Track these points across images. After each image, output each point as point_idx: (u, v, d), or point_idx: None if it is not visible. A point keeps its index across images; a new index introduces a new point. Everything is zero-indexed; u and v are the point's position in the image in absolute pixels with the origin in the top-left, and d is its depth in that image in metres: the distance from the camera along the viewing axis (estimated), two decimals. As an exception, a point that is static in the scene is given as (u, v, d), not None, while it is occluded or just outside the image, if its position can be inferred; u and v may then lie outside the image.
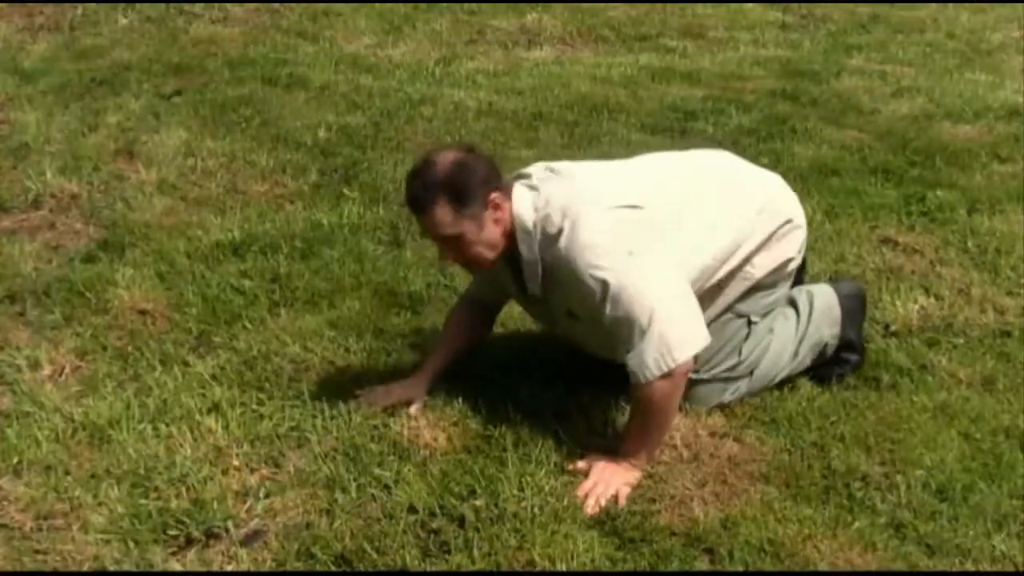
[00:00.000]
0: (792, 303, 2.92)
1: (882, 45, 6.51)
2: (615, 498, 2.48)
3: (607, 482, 2.51)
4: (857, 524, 2.41)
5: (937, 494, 2.51)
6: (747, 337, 2.79)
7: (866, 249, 3.71)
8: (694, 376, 2.70)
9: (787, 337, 2.86)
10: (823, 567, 2.29)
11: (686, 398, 2.70)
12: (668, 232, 2.56)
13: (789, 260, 2.78)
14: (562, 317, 2.67)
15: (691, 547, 2.34)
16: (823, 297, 2.95)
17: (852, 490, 2.52)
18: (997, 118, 5.07)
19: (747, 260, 2.71)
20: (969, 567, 2.32)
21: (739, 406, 2.82)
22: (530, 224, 2.54)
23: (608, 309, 2.46)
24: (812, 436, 2.71)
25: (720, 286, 2.70)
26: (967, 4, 7.45)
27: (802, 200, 4.04)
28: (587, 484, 2.52)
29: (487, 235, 2.55)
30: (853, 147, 4.67)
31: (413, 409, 2.75)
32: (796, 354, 2.88)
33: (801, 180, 4.30)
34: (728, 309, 2.75)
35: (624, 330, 2.47)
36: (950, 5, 7.45)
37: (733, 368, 2.78)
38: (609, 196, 2.56)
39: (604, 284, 2.45)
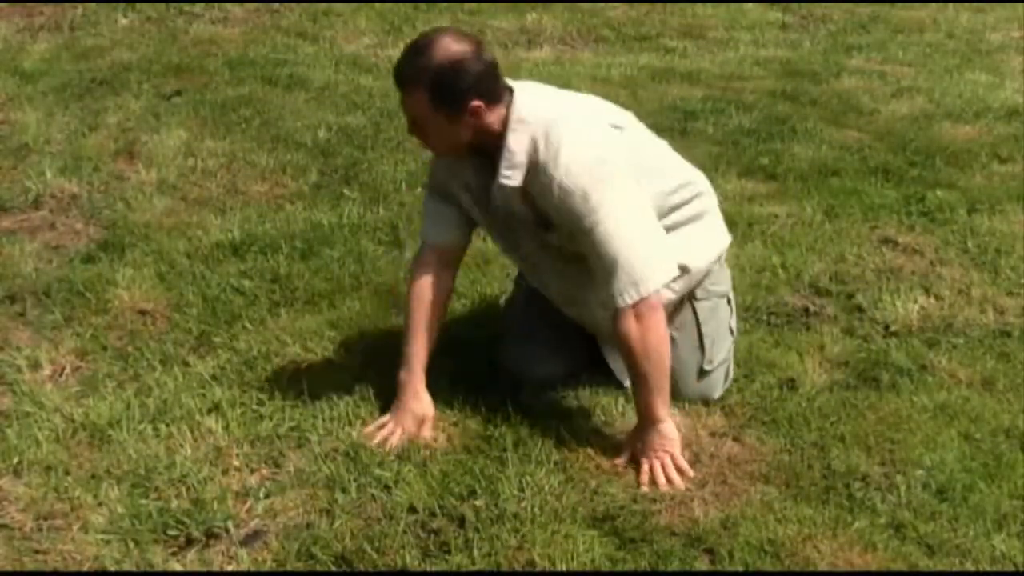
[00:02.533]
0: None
1: (882, 45, 6.52)
2: (679, 468, 2.54)
3: (659, 456, 2.55)
4: (857, 524, 2.41)
5: (937, 494, 2.51)
6: (732, 313, 2.92)
7: (866, 249, 3.71)
8: (708, 367, 2.80)
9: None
10: (823, 567, 2.29)
11: (702, 393, 2.81)
12: (642, 159, 2.62)
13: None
14: (531, 230, 2.65)
15: (691, 547, 2.34)
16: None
17: (852, 490, 2.52)
18: (997, 118, 5.07)
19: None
20: (969, 567, 2.31)
21: (739, 406, 2.83)
22: (526, 115, 2.54)
23: (586, 222, 2.48)
24: (812, 436, 2.71)
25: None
26: (967, 4, 7.45)
27: (802, 200, 4.09)
28: (644, 470, 2.54)
29: (451, 134, 2.55)
30: (853, 147, 4.68)
31: (428, 434, 2.68)
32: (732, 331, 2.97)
33: (801, 180, 4.30)
34: (706, 288, 2.83)
35: (599, 249, 2.50)
36: (950, 5, 7.46)
37: (731, 348, 2.90)
38: (596, 112, 2.65)
39: (586, 195, 2.47)
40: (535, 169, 2.52)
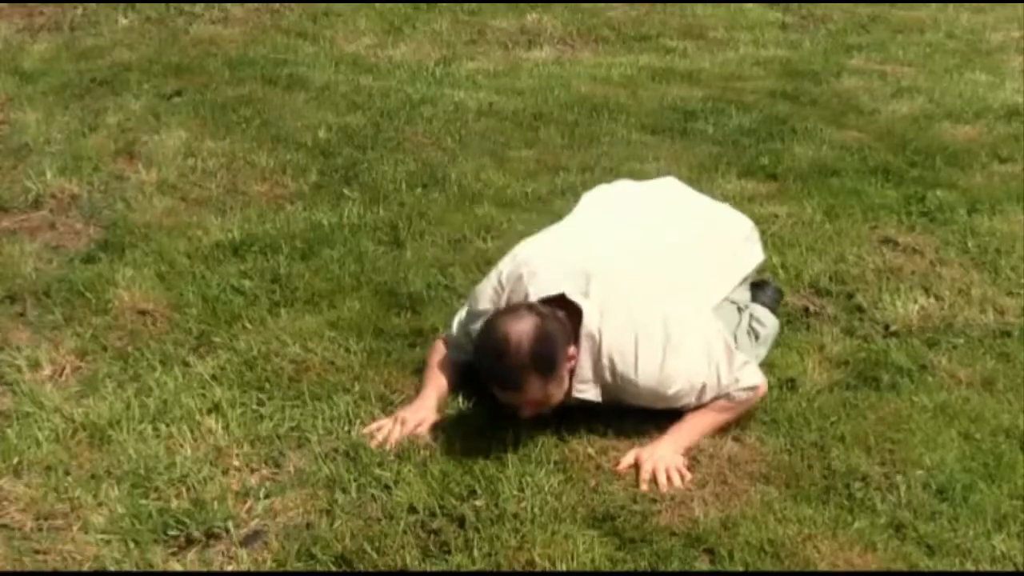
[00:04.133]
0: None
1: (882, 45, 6.51)
2: (680, 474, 2.56)
3: (666, 460, 2.58)
4: (857, 524, 2.41)
5: (937, 494, 2.51)
6: (739, 324, 2.95)
7: (866, 249, 3.71)
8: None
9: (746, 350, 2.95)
10: (823, 567, 2.29)
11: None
12: (692, 284, 2.82)
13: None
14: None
15: (691, 547, 2.34)
16: (770, 321, 3.11)
17: (852, 490, 2.52)
18: (997, 118, 5.07)
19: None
20: (969, 567, 2.31)
21: (739, 406, 2.82)
22: (595, 330, 2.62)
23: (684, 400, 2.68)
24: (812, 436, 2.71)
25: None
26: (967, 4, 7.44)
27: (802, 200, 4.09)
28: (646, 469, 2.56)
29: (566, 386, 2.63)
30: (853, 147, 4.67)
31: (425, 432, 2.69)
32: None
33: (801, 180, 4.30)
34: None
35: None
36: (950, 5, 7.45)
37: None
38: (651, 285, 2.73)
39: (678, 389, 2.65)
40: (614, 378, 2.64)
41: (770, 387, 2.90)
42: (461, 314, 2.91)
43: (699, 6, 7.29)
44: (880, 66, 6.06)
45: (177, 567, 2.32)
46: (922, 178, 4.33)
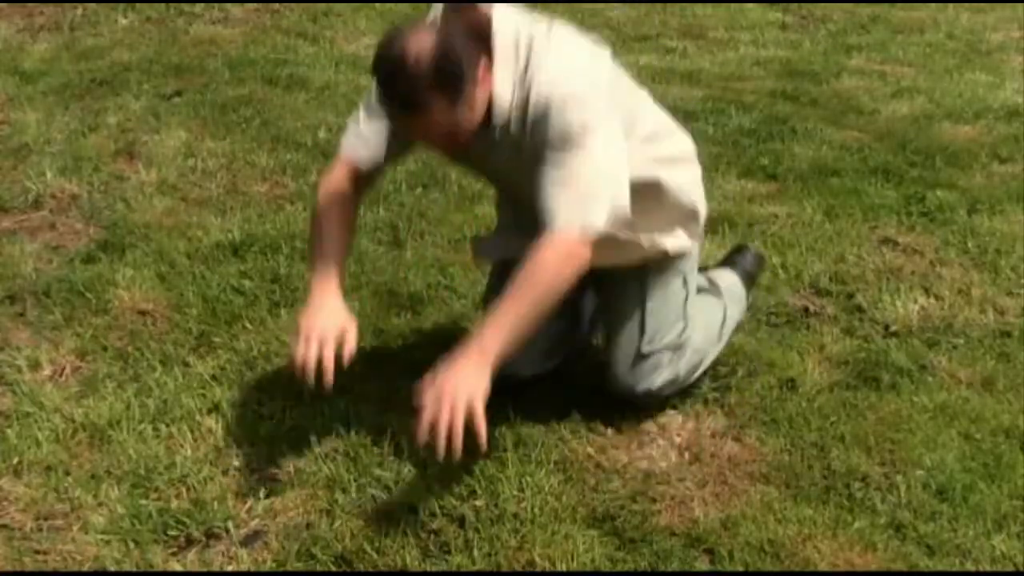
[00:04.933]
0: (703, 288, 2.93)
1: (882, 45, 6.51)
2: (472, 416, 2.12)
3: (452, 398, 2.11)
4: (857, 524, 2.41)
5: (937, 494, 2.51)
6: (686, 299, 2.75)
7: (866, 249, 3.71)
8: (646, 349, 2.64)
9: (712, 316, 2.87)
10: (823, 567, 2.29)
11: (636, 381, 2.66)
12: (621, 93, 2.46)
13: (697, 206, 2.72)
14: (506, 156, 2.39)
15: (691, 547, 2.34)
16: (730, 279, 3.05)
17: (852, 490, 2.52)
18: (997, 118, 5.07)
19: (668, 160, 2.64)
20: (969, 567, 2.32)
21: (739, 406, 2.82)
22: (514, 39, 2.29)
23: (558, 139, 2.26)
24: (812, 436, 2.71)
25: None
26: (967, 4, 7.45)
27: (802, 200, 4.09)
28: (424, 418, 2.12)
29: (478, 111, 2.29)
30: (853, 147, 4.67)
31: (347, 355, 2.34)
32: (720, 337, 2.90)
33: (801, 180, 4.30)
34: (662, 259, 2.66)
35: (564, 166, 2.27)
36: (950, 5, 7.45)
37: (680, 333, 2.70)
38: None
39: (567, 110, 2.25)
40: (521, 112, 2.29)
41: (770, 387, 2.90)
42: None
43: (699, 6, 7.30)
44: (880, 66, 6.06)
45: (177, 567, 2.32)
46: (922, 178, 4.33)
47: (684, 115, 5.08)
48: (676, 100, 5.33)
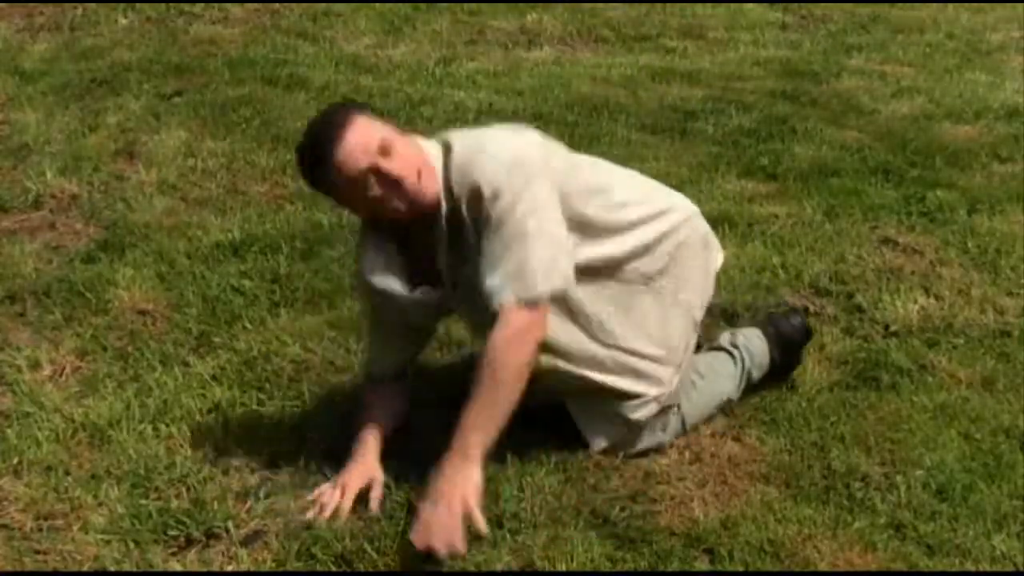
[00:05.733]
0: (728, 348, 2.82)
1: (882, 45, 6.51)
2: (471, 520, 2.20)
3: (448, 502, 2.19)
4: (857, 524, 2.41)
5: (937, 494, 2.51)
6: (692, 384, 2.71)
7: (866, 249, 3.71)
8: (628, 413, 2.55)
9: (724, 383, 2.76)
10: (823, 567, 2.29)
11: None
12: (566, 169, 2.46)
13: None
14: (466, 268, 2.38)
15: (691, 547, 2.34)
16: (759, 344, 2.87)
17: (852, 490, 2.52)
18: (997, 118, 5.06)
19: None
20: (969, 567, 2.32)
21: (739, 406, 2.82)
22: (435, 156, 2.39)
23: (493, 224, 2.30)
24: (812, 436, 2.71)
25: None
26: (967, 4, 7.44)
27: (802, 200, 4.09)
28: (419, 523, 2.20)
29: (412, 162, 2.34)
30: (853, 147, 4.67)
31: (374, 502, 2.42)
32: (729, 399, 2.78)
33: (801, 180, 4.30)
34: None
35: (496, 249, 2.30)
36: (950, 5, 7.45)
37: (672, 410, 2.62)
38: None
39: (498, 194, 2.29)
40: (456, 210, 2.35)
41: (770, 387, 2.90)
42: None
43: (699, 6, 7.29)
44: (880, 66, 6.06)
45: (177, 567, 2.32)
46: (922, 178, 4.33)
47: (684, 115, 5.10)
48: (676, 100, 5.33)
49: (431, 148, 2.44)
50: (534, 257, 2.29)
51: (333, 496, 2.42)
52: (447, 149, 2.41)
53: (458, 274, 2.43)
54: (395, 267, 2.47)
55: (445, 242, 2.40)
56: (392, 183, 2.33)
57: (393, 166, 2.33)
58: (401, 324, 2.57)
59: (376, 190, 2.34)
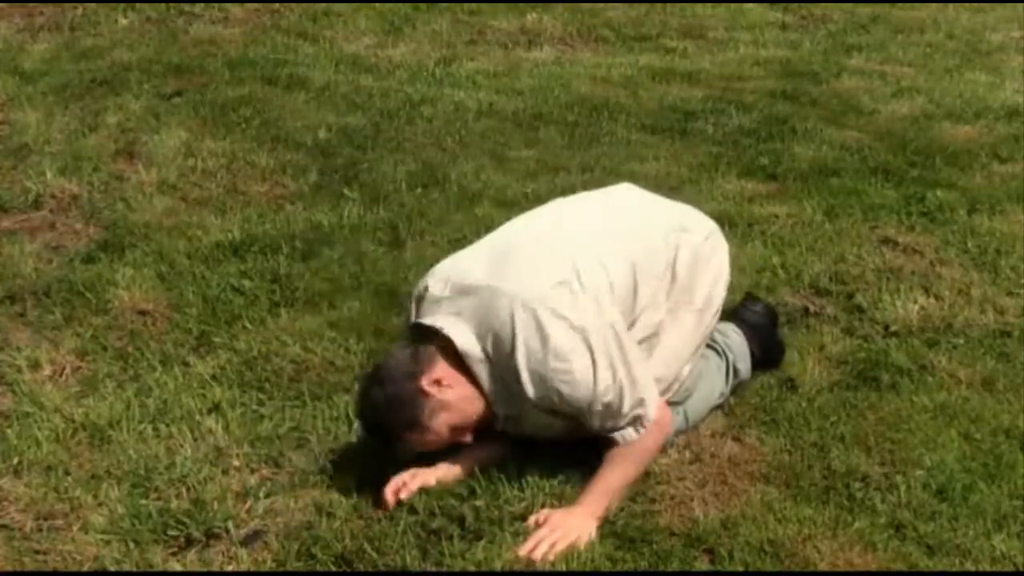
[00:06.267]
0: (710, 344, 2.84)
1: (882, 45, 6.51)
2: (571, 546, 2.34)
3: (566, 531, 2.36)
4: (857, 524, 2.41)
5: (937, 494, 2.51)
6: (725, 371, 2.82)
7: (866, 249, 3.71)
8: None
9: (715, 379, 2.80)
10: (823, 567, 2.29)
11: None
12: (601, 288, 2.49)
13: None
14: (540, 420, 2.51)
15: (691, 547, 2.34)
16: (736, 337, 2.92)
17: (852, 490, 2.52)
18: (997, 118, 5.06)
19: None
20: (969, 567, 2.32)
21: (739, 406, 2.82)
22: (480, 353, 2.43)
23: (585, 404, 2.42)
24: (812, 436, 2.71)
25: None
26: (967, 4, 7.44)
27: (802, 200, 4.09)
28: (542, 531, 2.36)
29: (458, 410, 2.45)
30: (853, 147, 4.67)
31: (412, 484, 2.50)
32: (722, 394, 2.81)
33: (801, 180, 4.30)
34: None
35: (601, 410, 2.44)
36: (950, 5, 7.44)
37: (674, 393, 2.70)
38: (536, 287, 2.44)
39: (574, 383, 2.39)
40: (519, 395, 2.43)
41: (770, 387, 2.90)
42: None
43: (699, 6, 7.29)
44: (880, 66, 6.05)
45: (177, 567, 2.32)
46: (922, 178, 4.33)
47: (684, 115, 5.10)
48: (676, 100, 5.33)
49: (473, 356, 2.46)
50: (633, 394, 2.46)
51: (393, 483, 2.49)
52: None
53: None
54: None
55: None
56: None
57: (439, 442, 2.49)
58: None
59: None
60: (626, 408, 2.44)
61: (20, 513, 2.46)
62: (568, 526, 2.37)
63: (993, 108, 5.19)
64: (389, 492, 2.46)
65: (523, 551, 2.32)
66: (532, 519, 2.41)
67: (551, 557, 2.31)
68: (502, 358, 2.40)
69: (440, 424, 2.44)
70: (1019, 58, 6.23)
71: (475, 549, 2.31)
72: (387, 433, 2.47)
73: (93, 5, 6.77)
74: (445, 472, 2.53)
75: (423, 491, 2.46)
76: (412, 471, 2.51)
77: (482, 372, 2.43)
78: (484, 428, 2.53)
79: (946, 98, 5.37)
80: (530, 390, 2.39)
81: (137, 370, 3.01)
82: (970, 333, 3.21)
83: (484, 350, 2.42)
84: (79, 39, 6.25)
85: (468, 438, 2.51)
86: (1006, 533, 2.40)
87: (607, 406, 2.42)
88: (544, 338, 2.36)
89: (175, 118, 4.89)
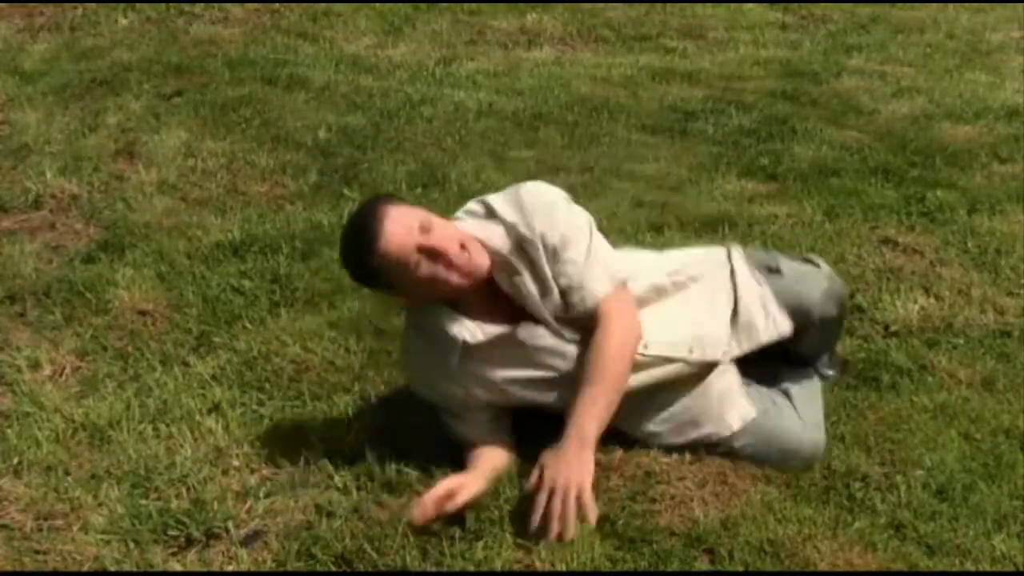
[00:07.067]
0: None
1: (882, 45, 6.51)
2: (582, 507, 2.31)
3: (565, 490, 2.30)
4: (857, 524, 2.41)
5: (937, 494, 2.51)
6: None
7: (866, 249, 3.71)
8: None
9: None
10: (823, 567, 2.29)
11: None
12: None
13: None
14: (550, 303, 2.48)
15: (691, 547, 2.34)
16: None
17: (852, 490, 2.52)
18: (997, 118, 5.06)
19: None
20: (969, 567, 2.32)
21: (739, 406, 2.81)
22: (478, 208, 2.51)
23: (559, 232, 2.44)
24: (812, 436, 2.71)
25: None
26: (967, 4, 7.44)
27: (802, 200, 4.09)
28: (539, 505, 2.30)
29: (438, 235, 2.39)
30: (853, 147, 4.67)
31: (460, 497, 2.35)
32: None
33: (801, 180, 4.30)
34: None
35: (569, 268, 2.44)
36: (950, 5, 7.45)
37: None
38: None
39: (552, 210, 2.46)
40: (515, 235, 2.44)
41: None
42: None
43: (699, 6, 7.29)
44: (880, 66, 6.06)
45: (177, 567, 2.32)
46: (922, 178, 4.33)
47: (684, 115, 5.10)
48: (676, 100, 5.33)
49: (469, 218, 2.51)
50: (604, 257, 2.50)
51: (433, 493, 2.35)
52: (489, 212, 2.49)
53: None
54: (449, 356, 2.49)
55: (531, 284, 2.46)
56: (438, 255, 2.37)
57: (435, 240, 2.37)
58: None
59: (426, 268, 2.37)
60: (591, 265, 2.45)
61: (20, 513, 2.46)
62: (568, 480, 2.31)
63: (993, 108, 5.19)
64: (430, 502, 2.31)
65: (532, 526, 2.28)
66: (531, 482, 2.34)
67: (568, 528, 2.28)
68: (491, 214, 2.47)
69: (434, 237, 2.36)
70: (1019, 58, 6.23)
71: (475, 549, 2.31)
72: (370, 242, 2.35)
73: (93, 5, 6.78)
74: (483, 481, 2.41)
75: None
76: (458, 479, 2.38)
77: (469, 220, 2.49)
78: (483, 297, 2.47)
79: (946, 98, 5.38)
80: (507, 212, 2.43)
81: (137, 370, 3.01)
82: (970, 333, 3.21)
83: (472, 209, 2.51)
84: (79, 39, 6.25)
85: (455, 277, 2.39)
86: (1006, 533, 2.40)
87: (575, 245, 2.43)
88: (525, 188, 2.49)
89: (175, 118, 4.89)
